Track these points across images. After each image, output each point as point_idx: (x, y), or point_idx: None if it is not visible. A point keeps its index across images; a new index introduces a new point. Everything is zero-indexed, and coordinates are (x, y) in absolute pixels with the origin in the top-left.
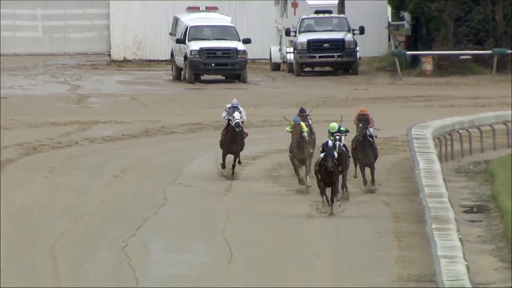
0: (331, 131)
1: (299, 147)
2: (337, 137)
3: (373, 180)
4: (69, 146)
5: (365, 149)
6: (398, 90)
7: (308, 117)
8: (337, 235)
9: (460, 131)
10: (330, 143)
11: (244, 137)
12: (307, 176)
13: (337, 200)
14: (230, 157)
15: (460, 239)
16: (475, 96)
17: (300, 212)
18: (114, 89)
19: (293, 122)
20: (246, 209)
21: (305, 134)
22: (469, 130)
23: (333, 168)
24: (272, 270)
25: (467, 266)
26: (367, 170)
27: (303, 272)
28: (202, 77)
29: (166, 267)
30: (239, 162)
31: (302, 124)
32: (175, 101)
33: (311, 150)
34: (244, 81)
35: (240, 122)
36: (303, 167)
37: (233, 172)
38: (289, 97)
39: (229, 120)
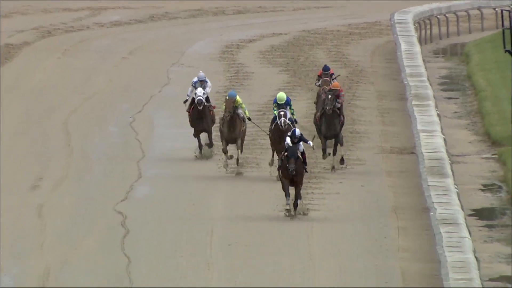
0: (278, 102)
1: (231, 124)
2: (282, 113)
3: (335, 152)
4: (81, 30)
5: (332, 121)
6: None
7: (333, 75)
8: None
9: (438, 16)
10: (301, 145)
11: (212, 110)
12: (238, 159)
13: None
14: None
15: (438, 115)
16: None
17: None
18: None
19: (227, 97)
20: (245, 87)
21: (241, 111)
22: (447, 15)
23: (295, 171)
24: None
25: (444, 139)
26: (331, 142)
27: None
28: None
29: (168, 141)
30: (211, 145)
31: (238, 99)
32: None
33: (243, 127)
34: None
35: (203, 99)
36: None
37: (211, 144)
38: None
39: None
